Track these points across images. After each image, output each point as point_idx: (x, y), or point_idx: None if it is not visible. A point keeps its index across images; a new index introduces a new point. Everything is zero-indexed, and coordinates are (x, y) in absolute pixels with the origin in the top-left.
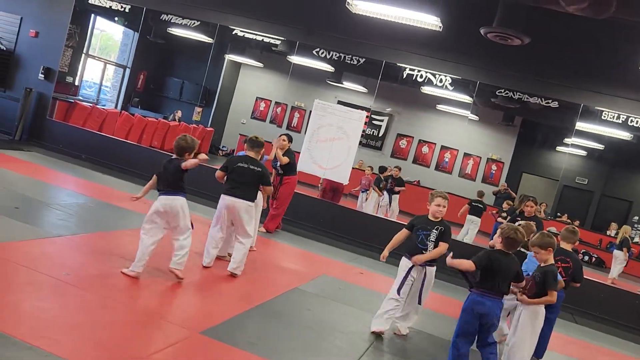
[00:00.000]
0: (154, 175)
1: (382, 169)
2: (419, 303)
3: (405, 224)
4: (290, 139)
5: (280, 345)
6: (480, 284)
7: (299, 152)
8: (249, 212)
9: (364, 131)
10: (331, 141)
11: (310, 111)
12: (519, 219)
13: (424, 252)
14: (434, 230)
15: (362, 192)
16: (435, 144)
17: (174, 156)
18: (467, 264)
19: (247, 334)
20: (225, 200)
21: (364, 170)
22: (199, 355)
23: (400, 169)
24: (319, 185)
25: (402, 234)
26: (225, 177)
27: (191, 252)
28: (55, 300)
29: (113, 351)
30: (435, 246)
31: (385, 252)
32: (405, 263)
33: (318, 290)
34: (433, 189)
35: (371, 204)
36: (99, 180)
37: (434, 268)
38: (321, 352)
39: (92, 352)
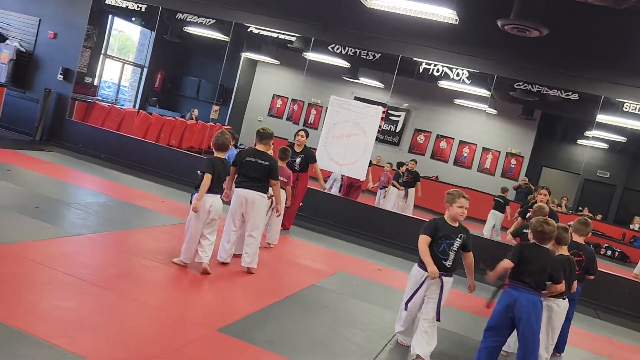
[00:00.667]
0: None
1: (400, 165)
2: (438, 319)
3: (426, 221)
4: (307, 134)
5: (298, 342)
6: (511, 276)
7: (316, 149)
8: (261, 203)
9: (380, 127)
10: (347, 137)
11: (327, 108)
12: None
13: (443, 262)
14: (457, 239)
15: (381, 188)
16: (453, 138)
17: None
18: (505, 264)
19: (265, 331)
20: (237, 192)
21: (383, 167)
22: (217, 353)
23: (416, 162)
24: (327, 181)
25: (427, 242)
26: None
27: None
28: (74, 299)
29: (131, 349)
30: (457, 255)
31: (434, 268)
32: (418, 274)
33: (336, 286)
34: (451, 185)
35: (390, 200)
36: (118, 180)
37: (452, 278)
38: (339, 349)
39: (110, 351)
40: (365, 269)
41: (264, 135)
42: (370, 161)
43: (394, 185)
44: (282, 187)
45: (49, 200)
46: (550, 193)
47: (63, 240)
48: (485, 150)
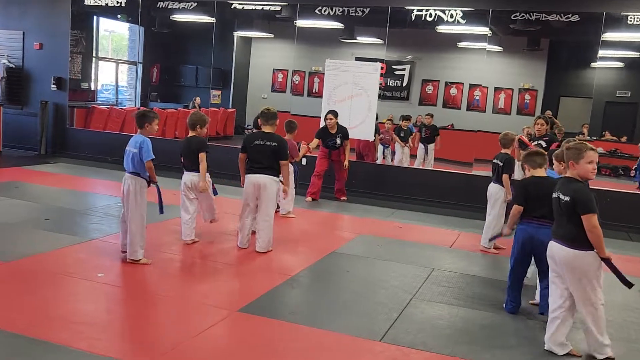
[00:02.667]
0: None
1: (405, 118)
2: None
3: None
4: (335, 115)
5: (321, 311)
6: (522, 214)
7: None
8: (273, 187)
9: (386, 83)
10: (349, 99)
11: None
12: (532, 140)
13: None
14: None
15: (383, 146)
16: (462, 83)
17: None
18: (515, 211)
19: (287, 304)
20: (249, 178)
21: (383, 123)
22: (240, 331)
23: (432, 116)
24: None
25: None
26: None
27: (223, 234)
28: (93, 301)
29: (155, 341)
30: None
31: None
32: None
33: (356, 250)
34: (468, 131)
35: (397, 158)
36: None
37: None
38: (364, 310)
39: (134, 346)
40: (385, 229)
41: (269, 116)
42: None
43: (396, 140)
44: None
45: (59, 210)
46: (548, 122)
47: (77, 247)
48: (497, 89)
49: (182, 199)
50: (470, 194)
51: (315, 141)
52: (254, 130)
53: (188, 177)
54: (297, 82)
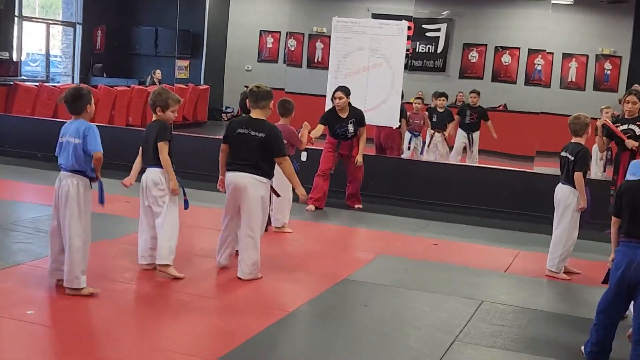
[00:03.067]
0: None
1: (439, 96)
2: None
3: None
4: (346, 93)
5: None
6: (620, 230)
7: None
8: (256, 191)
9: (414, 49)
10: (365, 71)
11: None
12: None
13: None
14: None
15: (413, 135)
16: (519, 48)
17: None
18: (614, 227)
19: (284, 351)
20: (228, 177)
21: (411, 103)
22: None
23: (478, 94)
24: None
25: None
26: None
27: (195, 255)
28: (17, 349)
29: None
30: None
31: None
32: None
33: (375, 276)
34: (526, 114)
35: (438, 148)
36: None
37: None
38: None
39: None
40: (415, 247)
41: (259, 95)
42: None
43: (426, 126)
44: (297, 147)
45: None
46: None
47: None
48: (567, 56)
49: (141, 208)
50: (531, 199)
51: (320, 128)
52: (242, 115)
53: (145, 174)
54: (292, 49)
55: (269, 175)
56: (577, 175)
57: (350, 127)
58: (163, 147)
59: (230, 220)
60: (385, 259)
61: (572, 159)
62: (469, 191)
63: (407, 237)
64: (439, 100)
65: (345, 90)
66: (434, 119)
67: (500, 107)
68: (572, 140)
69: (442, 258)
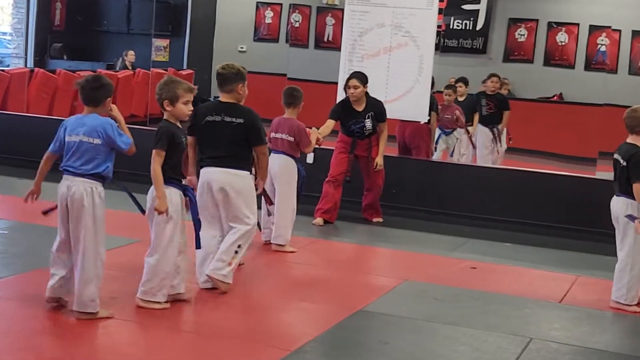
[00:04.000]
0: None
1: (457, 80)
2: None
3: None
4: (363, 80)
5: None
6: None
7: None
8: (240, 185)
9: (444, 26)
10: (387, 53)
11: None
12: None
13: None
14: None
15: (444, 133)
16: (577, 25)
17: None
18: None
19: None
20: (202, 176)
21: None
22: None
23: (499, 79)
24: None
25: None
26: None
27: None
28: None
29: None
30: None
31: None
32: None
33: (398, 307)
34: (585, 105)
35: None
36: (11, 189)
37: None
38: None
39: None
40: (449, 271)
41: (227, 78)
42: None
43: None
44: (301, 150)
45: None
46: None
47: None
48: (638, 34)
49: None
50: (592, 212)
51: (329, 124)
52: (210, 100)
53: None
54: (297, 25)
55: (250, 166)
56: (637, 188)
57: (368, 123)
58: (154, 157)
59: (209, 227)
60: (411, 285)
61: (624, 164)
62: (515, 202)
63: (439, 259)
64: (458, 86)
65: (362, 78)
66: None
67: (555, 98)
68: (628, 140)
69: (481, 285)
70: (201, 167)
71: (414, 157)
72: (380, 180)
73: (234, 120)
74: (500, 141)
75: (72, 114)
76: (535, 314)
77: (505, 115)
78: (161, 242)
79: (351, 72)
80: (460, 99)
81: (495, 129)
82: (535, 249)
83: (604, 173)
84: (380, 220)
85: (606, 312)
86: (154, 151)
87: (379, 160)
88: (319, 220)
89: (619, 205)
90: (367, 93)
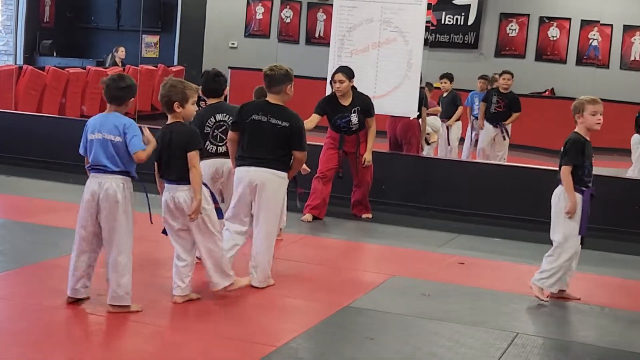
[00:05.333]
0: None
1: (442, 76)
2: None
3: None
4: (348, 75)
5: None
6: None
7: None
8: (279, 187)
9: (434, 20)
10: (376, 48)
11: None
12: None
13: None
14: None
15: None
16: (569, 20)
17: None
18: None
19: None
20: (239, 172)
21: (439, 88)
22: None
23: (512, 76)
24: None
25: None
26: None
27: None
28: None
29: None
30: None
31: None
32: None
33: (386, 303)
34: (576, 99)
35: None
36: (2, 187)
37: None
38: None
39: None
40: (437, 267)
41: (274, 79)
42: (430, 84)
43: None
44: None
45: None
46: None
47: None
48: (630, 29)
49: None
50: None
51: (314, 118)
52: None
53: (172, 193)
54: (288, 21)
55: (288, 169)
56: (563, 170)
57: (354, 118)
58: (194, 157)
59: (242, 223)
60: (398, 281)
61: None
62: (504, 198)
63: (427, 254)
64: (442, 82)
65: (348, 72)
66: (441, 106)
67: (547, 93)
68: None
69: (469, 281)
70: (240, 164)
71: (405, 152)
72: (369, 176)
73: (279, 123)
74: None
75: (61, 111)
76: (522, 309)
77: (515, 116)
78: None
79: (338, 66)
80: (444, 94)
81: (503, 128)
82: (524, 244)
83: (595, 168)
84: (370, 216)
85: (594, 307)
86: (194, 153)
87: (367, 156)
88: (307, 217)
89: (555, 191)
90: (353, 87)
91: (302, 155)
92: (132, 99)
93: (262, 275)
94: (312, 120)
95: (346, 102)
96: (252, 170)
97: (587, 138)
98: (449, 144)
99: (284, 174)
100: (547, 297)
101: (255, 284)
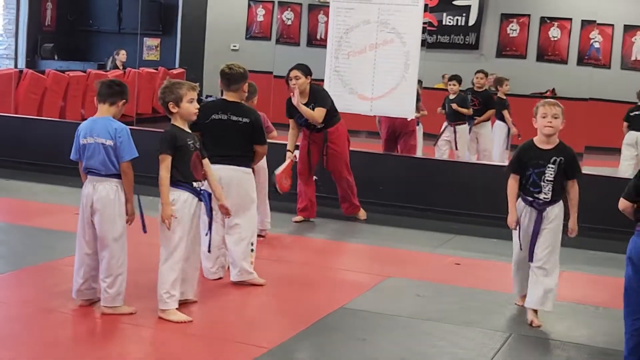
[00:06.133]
0: None
1: (450, 78)
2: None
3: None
4: (304, 71)
5: None
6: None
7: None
8: (248, 183)
9: (435, 22)
10: (373, 49)
11: None
12: None
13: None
14: (549, 165)
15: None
16: (570, 19)
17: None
18: (622, 206)
19: None
20: None
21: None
22: None
23: (486, 75)
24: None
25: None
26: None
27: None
28: None
29: None
30: (554, 185)
31: (513, 215)
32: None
33: (379, 304)
34: (577, 100)
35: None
36: (0, 191)
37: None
38: None
39: None
40: (433, 267)
41: (231, 77)
42: (419, 81)
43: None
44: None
45: None
46: None
47: None
48: (631, 28)
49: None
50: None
51: (291, 124)
52: (214, 98)
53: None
54: (288, 23)
55: (251, 164)
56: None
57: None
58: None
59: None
60: (394, 282)
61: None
62: (503, 198)
63: (424, 255)
64: (451, 84)
65: (304, 69)
66: (446, 109)
67: (548, 93)
68: None
69: (465, 281)
70: None
71: (401, 145)
72: (345, 171)
73: (240, 119)
74: (479, 140)
75: (61, 115)
76: (517, 309)
77: (488, 113)
78: (168, 247)
79: (338, 70)
80: (452, 96)
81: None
82: None
83: (590, 167)
84: (363, 217)
85: (589, 307)
86: (159, 157)
87: (311, 113)
88: (298, 218)
89: None
90: (312, 84)
91: (263, 149)
92: (123, 102)
93: (239, 269)
94: (292, 127)
95: (304, 100)
96: (218, 168)
97: (542, 145)
98: (456, 148)
99: (249, 170)
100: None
101: (235, 278)
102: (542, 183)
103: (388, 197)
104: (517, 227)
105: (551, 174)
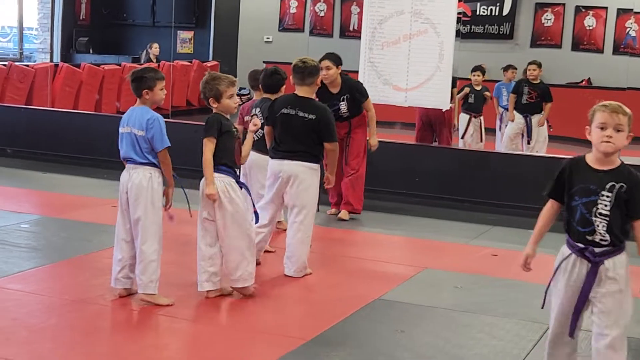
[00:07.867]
0: None
1: (474, 69)
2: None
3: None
4: (335, 61)
5: None
6: None
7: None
8: (309, 179)
9: (468, 11)
10: (407, 41)
11: None
12: None
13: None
14: (604, 193)
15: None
16: (606, 8)
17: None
18: None
19: None
20: (272, 165)
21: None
22: None
23: (539, 66)
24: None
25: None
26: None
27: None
28: None
29: None
30: (612, 223)
31: (529, 250)
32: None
33: (416, 295)
34: (613, 90)
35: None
36: (37, 184)
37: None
38: None
39: None
40: (470, 258)
41: (304, 71)
42: (454, 78)
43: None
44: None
45: None
46: None
47: None
48: None
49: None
50: None
51: None
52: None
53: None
54: (321, 15)
55: (320, 161)
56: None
57: (343, 106)
58: (205, 144)
59: (271, 212)
60: (431, 273)
61: None
62: (541, 189)
63: (460, 247)
64: (475, 75)
65: (334, 59)
66: (470, 100)
67: (584, 82)
68: None
69: (502, 272)
70: (273, 157)
71: (437, 135)
72: (360, 166)
73: (306, 115)
74: (532, 132)
75: (97, 108)
76: None
77: (548, 107)
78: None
79: (372, 61)
80: (477, 88)
81: (529, 119)
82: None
83: (628, 157)
84: (350, 210)
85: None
86: (204, 140)
87: (372, 140)
88: (332, 211)
89: None
90: (342, 74)
91: (332, 146)
92: (148, 90)
93: (297, 265)
94: None
95: (335, 89)
96: (284, 163)
97: (595, 164)
98: (480, 140)
99: (316, 166)
100: None
101: (290, 273)
102: (594, 218)
103: (424, 188)
104: (552, 282)
105: (606, 206)
